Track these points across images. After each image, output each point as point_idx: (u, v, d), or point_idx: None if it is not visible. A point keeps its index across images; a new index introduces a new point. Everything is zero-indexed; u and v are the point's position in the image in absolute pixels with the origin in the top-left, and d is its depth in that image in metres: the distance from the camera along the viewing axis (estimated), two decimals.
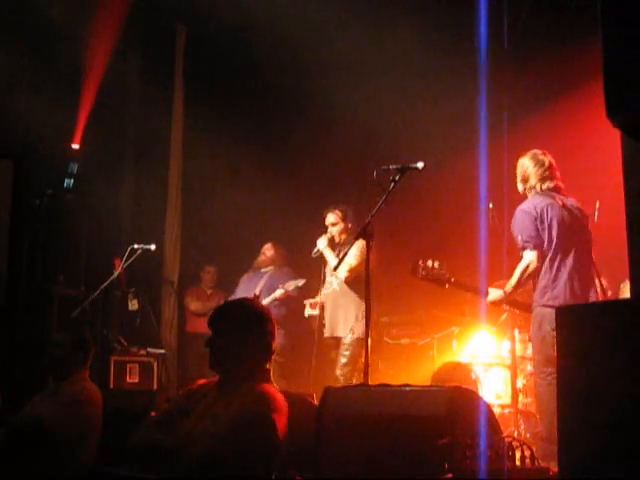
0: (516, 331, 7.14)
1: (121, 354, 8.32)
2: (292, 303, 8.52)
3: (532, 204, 5.78)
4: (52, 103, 8.76)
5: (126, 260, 8.15)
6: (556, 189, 5.86)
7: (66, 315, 7.94)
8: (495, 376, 7.30)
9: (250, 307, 3.98)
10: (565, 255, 5.73)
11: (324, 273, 7.67)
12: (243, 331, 3.79)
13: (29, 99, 8.98)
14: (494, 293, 6.03)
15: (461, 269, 8.15)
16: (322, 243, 7.59)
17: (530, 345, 7.40)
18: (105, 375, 7.90)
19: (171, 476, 3.54)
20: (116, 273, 8.16)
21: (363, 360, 5.17)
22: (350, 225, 7.65)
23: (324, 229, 7.76)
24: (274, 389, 3.74)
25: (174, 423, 3.73)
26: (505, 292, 5.93)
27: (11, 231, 8.49)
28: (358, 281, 7.07)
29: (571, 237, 5.76)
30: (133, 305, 8.72)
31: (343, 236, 7.67)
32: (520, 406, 6.99)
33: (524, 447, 4.25)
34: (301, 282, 8.42)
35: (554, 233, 5.69)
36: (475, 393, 4.36)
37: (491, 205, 6.81)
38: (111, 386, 7.89)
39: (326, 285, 7.71)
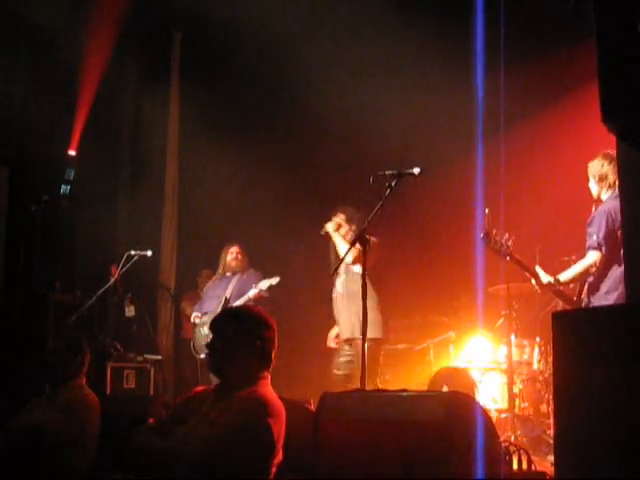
0: (512, 336, 7.16)
1: (118, 360, 8.29)
2: (266, 304, 8.10)
3: (614, 207, 5.74)
4: (48, 109, 8.76)
5: (122, 266, 8.14)
6: None
7: (62, 321, 7.92)
8: (492, 381, 7.31)
9: (251, 313, 3.98)
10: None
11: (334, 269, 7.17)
12: (243, 336, 3.80)
13: (25, 105, 8.98)
14: (544, 277, 6.13)
15: (458, 273, 8.20)
16: (331, 226, 7.23)
17: (526, 350, 7.45)
18: (102, 381, 7.88)
19: None
20: (112, 279, 8.14)
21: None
22: (354, 227, 7.21)
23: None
24: (271, 394, 3.75)
25: (171, 429, 3.73)
26: (557, 280, 6.00)
27: (7, 237, 8.49)
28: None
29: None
30: (130, 311, 8.71)
31: (348, 237, 7.22)
32: (517, 411, 6.99)
33: (521, 452, 4.26)
34: (275, 280, 8.25)
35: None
36: (472, 398, 4.36)
37: (487, 210, 6.82)
38: (108, 392, 7.88)
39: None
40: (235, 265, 8.76)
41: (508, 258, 6.24)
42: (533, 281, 6.28)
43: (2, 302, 8.27)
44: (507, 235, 6.22)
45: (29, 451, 4.68)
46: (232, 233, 9.73)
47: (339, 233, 7.23)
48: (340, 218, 7.33)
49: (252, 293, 8.29)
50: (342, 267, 7.09)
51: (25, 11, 8.77)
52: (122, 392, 8.04)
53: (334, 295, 7.43)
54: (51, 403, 4.97)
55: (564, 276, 6.09)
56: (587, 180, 6.25)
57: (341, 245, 7.14)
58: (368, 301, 6.60)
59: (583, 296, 6.04)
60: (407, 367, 8.46)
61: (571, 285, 6.31)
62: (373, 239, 6.75)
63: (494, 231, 6.23)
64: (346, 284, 7.31)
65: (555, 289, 6.19)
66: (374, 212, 5.44)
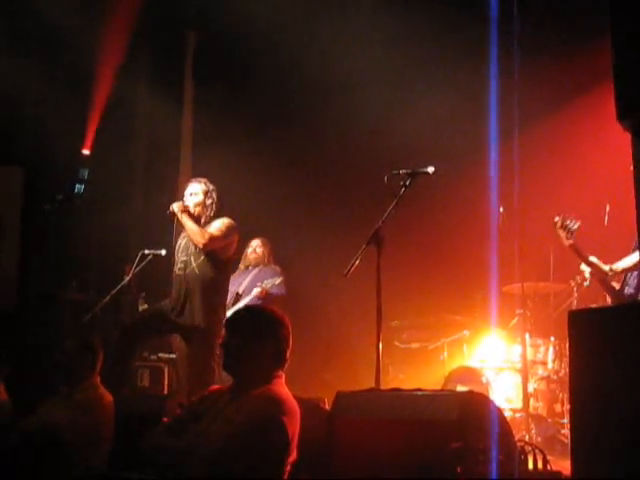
0: (527, 335, 7.13)
1: None
2: (277, 302, 7.96)
3: None
4: (63, 109, 8.79)
5: (137, 265, 8.13)
6: None
7: (77, 320, 7.94)
8: (506, 380, 7.29)
9: (266, 312, 3.98)
10: None
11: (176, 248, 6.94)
12: (257, 335, 3.79)
13: (40, 105, 9.01)
14: (602, 266, 6.13)
15: (472, 272, 8.18)
16: (177, 206, 6.72)
17: (541, 349, 7.42)
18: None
19: (181, 479, 3.55)
20: (127, 278, 8.14)
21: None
22: (209, 203, 6.83)
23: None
24: (286, 393, 3.74)
25: (186, 428, 3.73)
26: (611, 270, 6.06)
27: (22, 236, 8.52)
28: (213, 265, 6.71)
29: None
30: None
31: (197, 209, 6.79)
32: (531, 410, 6.97)
33: (536, 451, 4.24)
34: (278, 280, 8.21)
35: None
36: (487, 397, 4.35)
37: (502, 209, 6.80)
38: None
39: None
40: (253, 258, 8.62)
41: (569, 244, 6.18)
42: (585, 268, 6.22)
43: (17, 301, 8.29)
44: (575, 222, 6.16)
45: (43, 451, 4.69)
46: (246, 232, 9.72)
47: (186, 213, 6.73)
48: (198, 190, 6.89)
49: (255, 292, 8.16)
50: (189, 247, 6.81)
51: (40, 11, 8.79)
52: (136, 391, 8.05)
53: (176, 272, 6.93)
54: (65, 403, 4.97)
55: (616, 268, 6.07)
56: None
57: (189, 226, 6.68)
58: (203, 289, 6.65)
59: (628, 284, 6.01)
60: (421, 366, 8.46)
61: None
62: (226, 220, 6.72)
63: (570, 215, 6.17)
64: (197, 266, 6.82)
65: (603, 279, 6.15)
66: (388, 211, 5.41)
